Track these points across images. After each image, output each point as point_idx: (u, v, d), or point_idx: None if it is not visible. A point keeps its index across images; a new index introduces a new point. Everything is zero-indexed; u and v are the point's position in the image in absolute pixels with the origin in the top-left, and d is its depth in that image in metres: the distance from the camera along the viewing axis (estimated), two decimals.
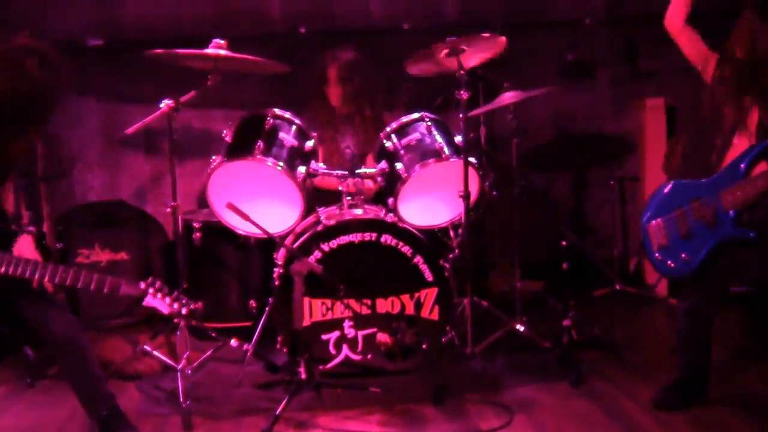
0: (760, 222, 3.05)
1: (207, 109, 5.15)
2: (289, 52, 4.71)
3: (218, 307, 4.41)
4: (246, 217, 3.45)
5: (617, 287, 5.04)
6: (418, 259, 3.73)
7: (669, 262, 3.25)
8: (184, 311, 2.95)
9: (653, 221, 3.32)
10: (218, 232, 4.14)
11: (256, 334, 3.92)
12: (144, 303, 2.92)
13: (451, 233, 4.21)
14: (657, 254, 3.30)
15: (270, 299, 3.91)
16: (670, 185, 3.33)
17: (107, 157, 5.35)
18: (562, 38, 5.45)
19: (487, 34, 3.75)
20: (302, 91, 4.66)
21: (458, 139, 3.87)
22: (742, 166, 3.05)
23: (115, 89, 5.18)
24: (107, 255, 4.79)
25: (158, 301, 2.93)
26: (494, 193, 4.46)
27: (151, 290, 2.93)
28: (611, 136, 5.54)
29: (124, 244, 4.82)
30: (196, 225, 4.32)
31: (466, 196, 3.73)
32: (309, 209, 3.87)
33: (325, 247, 3.66)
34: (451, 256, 4.11)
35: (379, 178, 3.92)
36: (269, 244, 4.04)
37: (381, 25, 5.28)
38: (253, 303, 4.35)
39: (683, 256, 3.19)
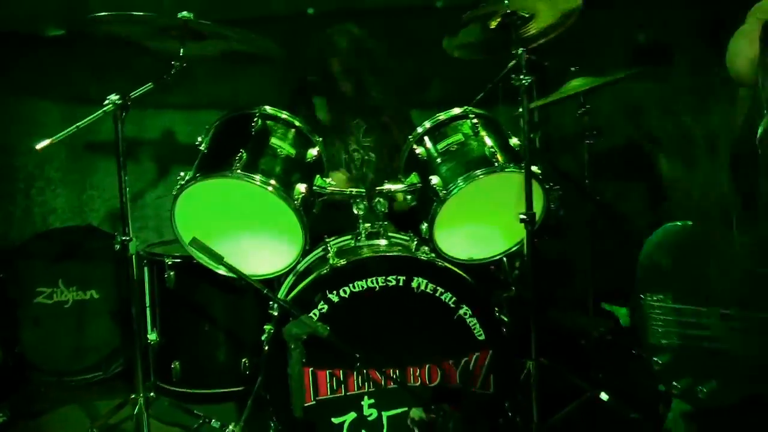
0: None
1: (195, 109, 4.38)
2: (296, 40, 3.93)
3: (201, 368, 3.45)
4: (216, 258, 2.47)
5: None
6: (464, 311, 2.74)
7: None
8: None
9: None
10: (198, 270, 3.15)
11: (247, 408, 3.02)
12: None
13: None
14: None
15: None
16: None
17: (73, 172, 4.47)
18: (629, 14, 4.61)
19: None
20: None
21: (514, 141, 3.01)
22: None
23: (81, 88, 4.28)
24: (74, 294, 3.99)
25: None
26: (560, 212, 3.64)
27: None
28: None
29: (95, 281, 4.00)
30: (168, 262, 3.35)
31: (529, 219, 2.79)
32: (315, 237, 2.96)
33: (334, 296, 2.68)
34: (505, 295, 3.26)
35: (408, 197, 3.01)
36: (267, 283, 3.09)
37: (408, 3, 4.46)
38: (246, 362, 3.40)
39: None
